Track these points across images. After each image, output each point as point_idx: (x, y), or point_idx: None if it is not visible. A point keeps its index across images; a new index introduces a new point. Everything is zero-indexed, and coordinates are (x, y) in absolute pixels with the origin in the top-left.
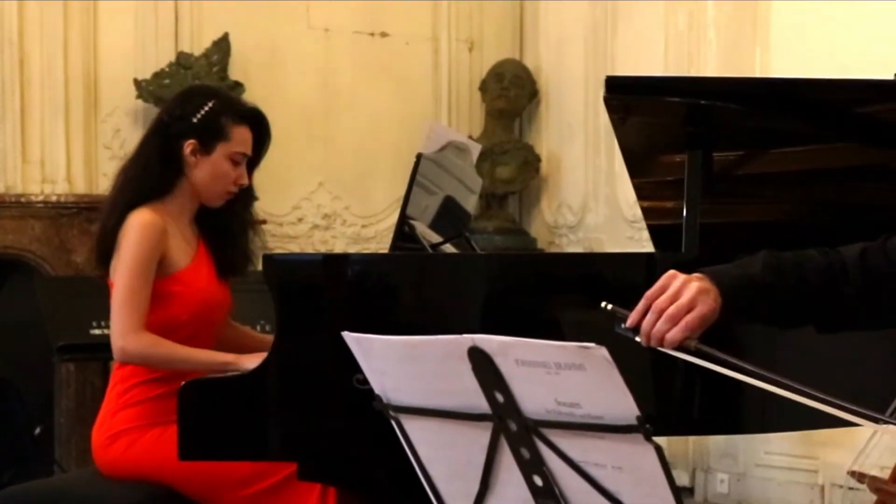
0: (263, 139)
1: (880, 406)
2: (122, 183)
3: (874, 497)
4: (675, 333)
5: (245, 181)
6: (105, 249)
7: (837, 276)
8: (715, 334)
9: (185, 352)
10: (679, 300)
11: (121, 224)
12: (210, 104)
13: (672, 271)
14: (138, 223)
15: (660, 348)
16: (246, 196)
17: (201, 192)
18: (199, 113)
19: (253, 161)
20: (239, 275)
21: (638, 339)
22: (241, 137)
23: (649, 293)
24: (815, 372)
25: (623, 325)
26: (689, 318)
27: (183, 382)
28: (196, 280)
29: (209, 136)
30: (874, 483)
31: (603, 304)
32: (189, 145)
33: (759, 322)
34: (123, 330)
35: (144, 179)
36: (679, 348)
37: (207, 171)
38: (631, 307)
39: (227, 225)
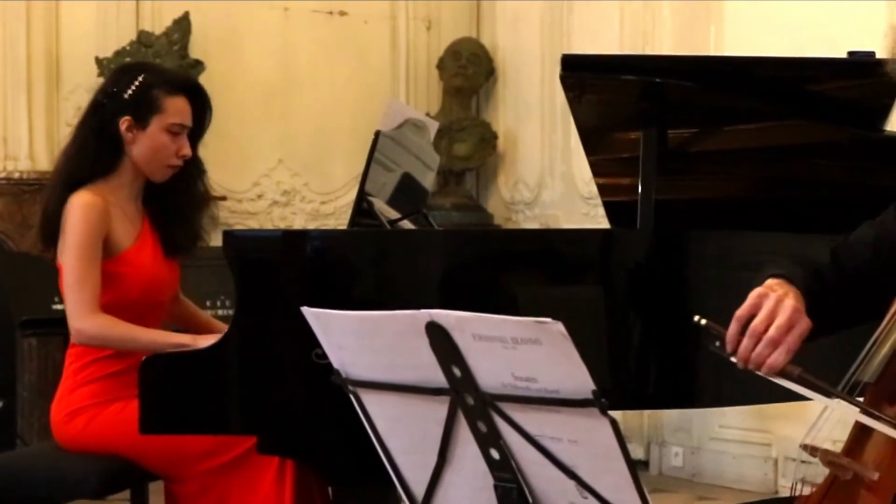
0: (202, 109)
1: (832, 382)
2: (62, 164)
3: (827, 470)
4: (777, 358)
5: (187, 152)
6: (49, 231)
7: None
8: None
9: (142, 333)
10: (777, 321)
11: (62, 205)
12: (140, 78)
13: (759, 290)
14: (79, 205)
15: (758, 372)
16: (194, 170)
17: (143, 167)
18: (130, 88)
19: (196, 133)
20: (186, 254)
21: (733, 359)
22: (177, 108)
23: (740, 314)
24: None
25: (716, 345)
26: (789, 339)
27: (144, 357)
28: (140, 260)
29: (143, 111)
30: (826, 456)
31: (696, 318)
32: (124, 122)
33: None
34: (78, 312)
35: (83, 160)
36: (782, 374)
37: (146, 146)
38: (587, 283)
39: (177, 203)
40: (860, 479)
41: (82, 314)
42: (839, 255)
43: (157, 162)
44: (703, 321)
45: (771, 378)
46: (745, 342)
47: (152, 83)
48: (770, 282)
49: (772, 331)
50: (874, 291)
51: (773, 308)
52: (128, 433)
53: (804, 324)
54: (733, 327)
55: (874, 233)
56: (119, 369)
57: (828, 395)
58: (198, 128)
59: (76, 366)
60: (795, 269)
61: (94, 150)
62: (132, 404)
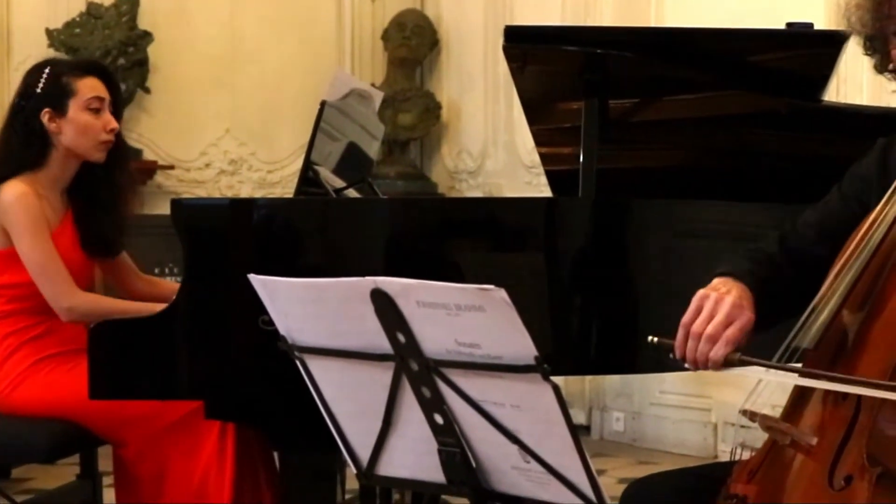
0: (113, 86)
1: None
2: None
3: (766, 435)
4: (717, 351)
5: (115, 125)
6: None
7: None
8: None
9: (128, 305)
10: (715, 318)
11: None
12: (47, 71)
13: (701, 291)
14: (15, 196)
15: (710, 370)
16: (120, 157)
17: (78, 151)
18: (40, 83)
19: (114, 111)
20: (104, 254)
21: (687, 365)
22: (89, 86)
23: (685, 320)
24: None
25: (672, 356)
26: (728, 333)
27: (93, 324)
28: (59, 245)
29: (58, 99)
30: (765, 422)
31: (649, 338)
32: (45, 114)
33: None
34: (63, 293)
35: (7, 159)
36: (725, 364)
37: (72, 130)
38: (530, 250)
39: (100, 194)
40: (798, 444)
41: (66, 294)
42: (787, 241)
43: (87, 141)
44: (655, 339)
45: (720, 371)
46: (690, 344)
47: (59, 72)
48: (715, 282)
49: (709, 328)
50: (824, 273)
51: (713, 308)
52: (73, 396)
53: (745, 318)
54: (680, 333)
55: (818, 215)
56: (38, 333)
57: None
58: (113, 107)
59: None
60: (743, 264)
61: (19, 149)
62: (80, 366)
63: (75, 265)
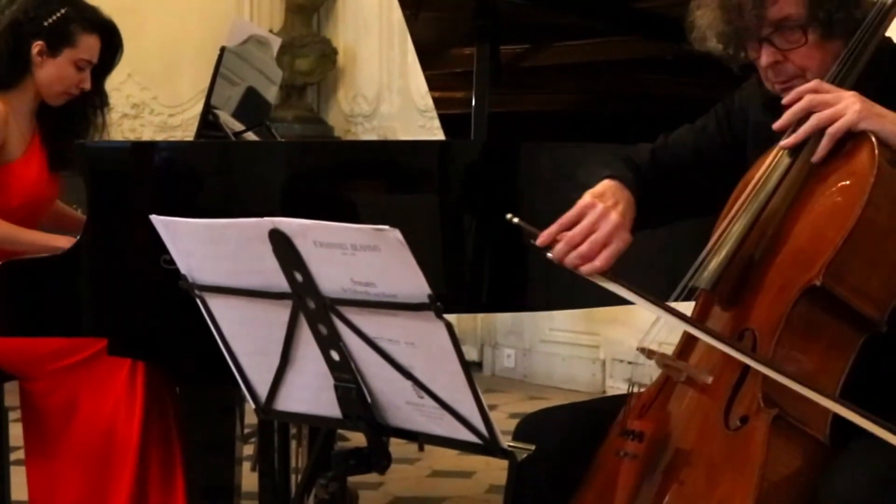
0: (114, 49)
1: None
2: None
3: (655, 372)
4: (587, 269)
5: (87, 86)
6: None
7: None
8: None
9: (23, 233)
10: (594, 235)
11: None
12: (63, 11)
13: (589, 199)
14: None
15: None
16: (97, 100)
17: (42, 90)
18: (51, 17)
19: (103, 69)
20: (69, 168)
21: (549, 255)
22: (88, 45)
23: (564, 219)
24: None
25: (532, 241)
26: (603, 255)
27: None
28: (27, 172)
29: (57, 41)
30: (662, 359)
31: (508, 216)
32: (37, 46)
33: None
34: None
35: None
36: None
37: (51, 73)
38: (424, 192)
39: (72, 124)
40: (694, 381)
41: None
42: (659, 156)
43: (56, 88)
44: (515, 220)
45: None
46: (561, 247)
47: (72, 17)
48: (602, 187)
49: (585, 246)
50: (693, 191)
51: (595, 221)
52: None
53: (621, 241)
54: (554, 227)
55: (694, 138)
56: None
57: (643, 298)
58: (105, 65)
59: None
60: (626, 172)
61: (4, 64)
62: None
63: (45, 189)
